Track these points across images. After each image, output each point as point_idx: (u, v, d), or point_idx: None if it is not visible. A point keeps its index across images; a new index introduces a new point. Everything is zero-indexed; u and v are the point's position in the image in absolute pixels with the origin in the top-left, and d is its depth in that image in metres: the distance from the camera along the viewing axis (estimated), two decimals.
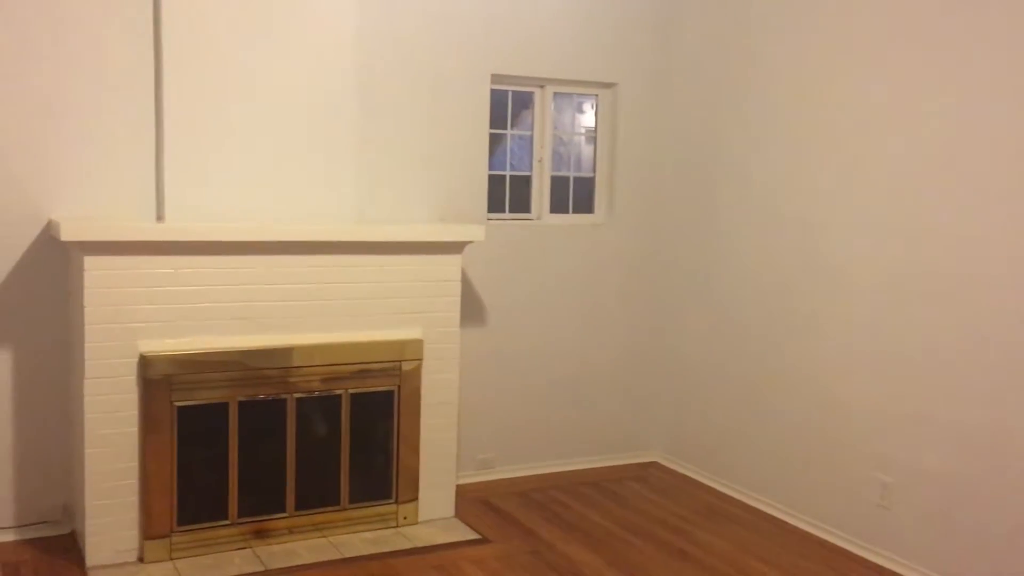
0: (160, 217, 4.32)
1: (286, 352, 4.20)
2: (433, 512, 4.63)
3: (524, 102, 5.35)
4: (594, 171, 5.57)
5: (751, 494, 5.05)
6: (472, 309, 5.07)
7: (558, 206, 5.47)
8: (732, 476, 5.19)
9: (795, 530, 4.68)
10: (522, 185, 5.39)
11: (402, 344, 4.47)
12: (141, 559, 4.01)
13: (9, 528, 4.21)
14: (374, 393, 4.45)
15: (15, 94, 4.03)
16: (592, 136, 5.58)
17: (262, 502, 4.25)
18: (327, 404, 4.36)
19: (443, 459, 4.65)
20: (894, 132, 4.23)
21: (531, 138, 5.38)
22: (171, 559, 4.04)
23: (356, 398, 4.41)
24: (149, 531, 4.01)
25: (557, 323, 5.39)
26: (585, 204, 5.56)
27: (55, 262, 4.18)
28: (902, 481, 4.20)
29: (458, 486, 4.78)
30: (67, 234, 3.76)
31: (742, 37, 5.09)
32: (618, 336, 5.59)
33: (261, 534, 4.24)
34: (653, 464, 5.70)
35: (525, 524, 4.64)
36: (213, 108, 4.30)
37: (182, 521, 4.08)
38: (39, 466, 4.25)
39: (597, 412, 5.58)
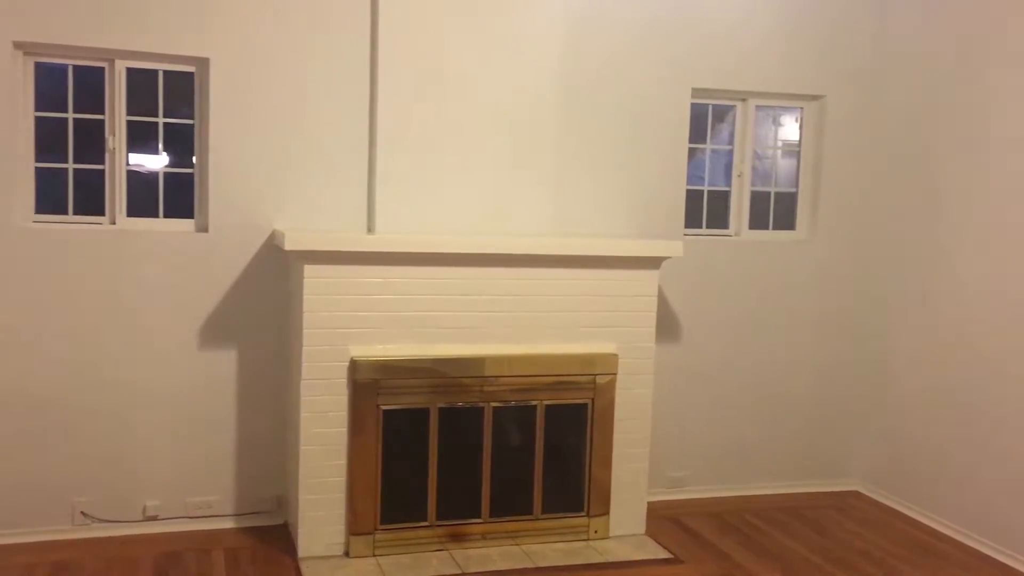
0: (370, 229, 4.55)
1: (480, 362, 4.30)
2: (624, 528, 4.61)
3: (718, 115, 5.26)
4: (796, 186, 5.39)
5: (967, 532, 4.71)
6: (666, 324, 5.02)
7: (756, 222, 5.33)
8: (944, 511, 4.86)
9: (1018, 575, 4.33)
10: (717, 200, 5.29)
11: (597, 357, 4.48)
12: (347, 553, 4.22)
13: (229, 516, 4.54)
14: (568, 405, 4.49)
15: (247, 119, 4.36)
16: (792, 150, 5.41)
17: (459, 507, 4.37)
18: (522, 414, 4.44)
19: (635, 475, 4.63)
20: None
21: (724, 152, 5.28)
22: (374, 555, 4.22)
23: (551, 409, 4.46)
24: (355, 527, 4.21)
25: (754, 341, 5.25)
26: (785, 220, 5.39)
27: (276, 269, 4.49)
28: None
29: (648, 503, 4.74)
30: (291, 244, 4.03)
31: (958, 44, 4.79)
32: (819, 357, 5.37)
33: (457, 538, 4.36)
34: (853, 493, 5.43)
35: (718, 546, 4.54)
36: (422, 126, 4.49)
37: (385, 520, 4.26)
38: (257, 460, 4.56)
39: (794, 436, 5.38)
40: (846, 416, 5.45)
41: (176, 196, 4.48)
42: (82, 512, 4.32)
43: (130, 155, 4.38)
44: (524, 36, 4.61)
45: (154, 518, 4.42)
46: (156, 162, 4.49)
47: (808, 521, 4.93)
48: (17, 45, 4.10)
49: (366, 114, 4.51)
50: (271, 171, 4.42)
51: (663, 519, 4.82)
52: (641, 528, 4.65)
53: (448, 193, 4.55)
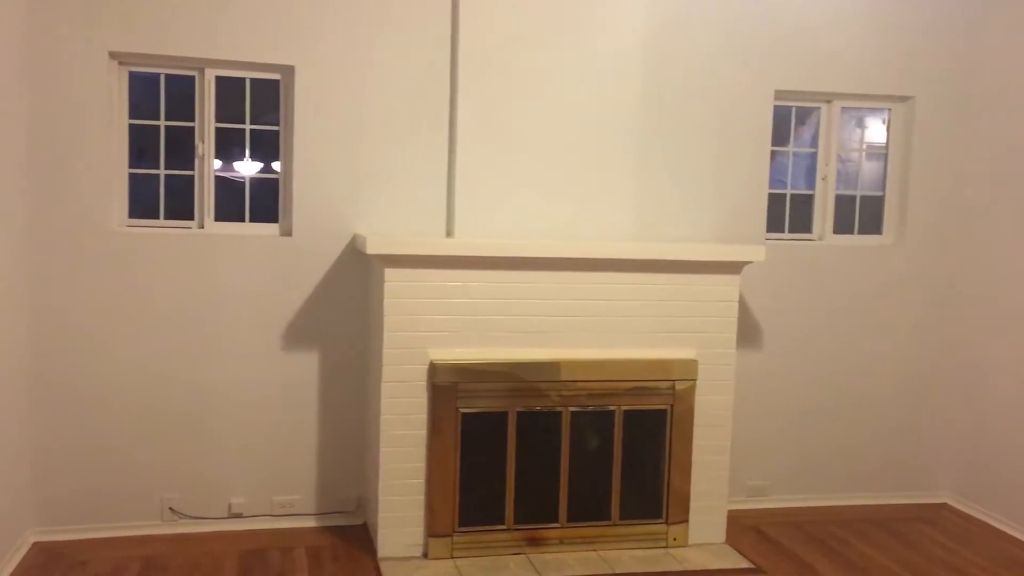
0: (450, 233, 4.59)
1: (556, 366, 4.28)
2: (703, 536, 4.54)
3: (799, 117, 5.15)
4: (883, 189, 5.25)
5: None
6: (747, 330, 4.93)
7: (841, 226, 5.21)
8: None
9: None
10: (799, 204, 5.18)
11: (676, 363, 4.43)
12: (425, 555, 4.25)
13: (311, 515, 4.62)
14: (647, 411, 4.45)
15: (330, 124, 4.44)
16: (877, 152, 5.26)
17: (536, 511, 4.36)
18: (600, 419, 4.41)
19: (714, 483, 4.56)
20: None
21: (805, 155, 5.17)
22: (452, 558, 4.24)
23: (629, 415, 4.43)
24: (433, 529, 4.24)
25: (838, 348, 5.12)
26: (871, 224, 5.25)
27: (358, 272, 4.55)
28: None
29: (728, 512, 4.65)
30: (372, 247, 4.08)
31: None
32: (906, 365, 5.22)
33: (534, 542, 4.36)
34: (943, 505, 5.25)
35: (802, 558, 4.44)
36: (501, 132, 4.51)
37: (463, 522, 4.27)
38: (338, 461, 4.63)
39: (880, 445, 5.23)
40: (935, 425, 5.28)
41: (261, 201, 4.58)
42: (170, 508, 4.44)
43: (218, 161, 4.50)
44: (605, 38, 4.59)
45: (239, 516, 4.52)
46: (244, 168, 4.60)
47: (895, 533, 4.79)
48: (113, 55, 4.24)
49: (446, 119, 4.55)
50: (353, 175, 4.49)
51: (744, 528, 4.74)
52: (721, 537, 4.58)
53: (527, 197, 4.56)
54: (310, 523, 4.60)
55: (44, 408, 4.27)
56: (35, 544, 4.24)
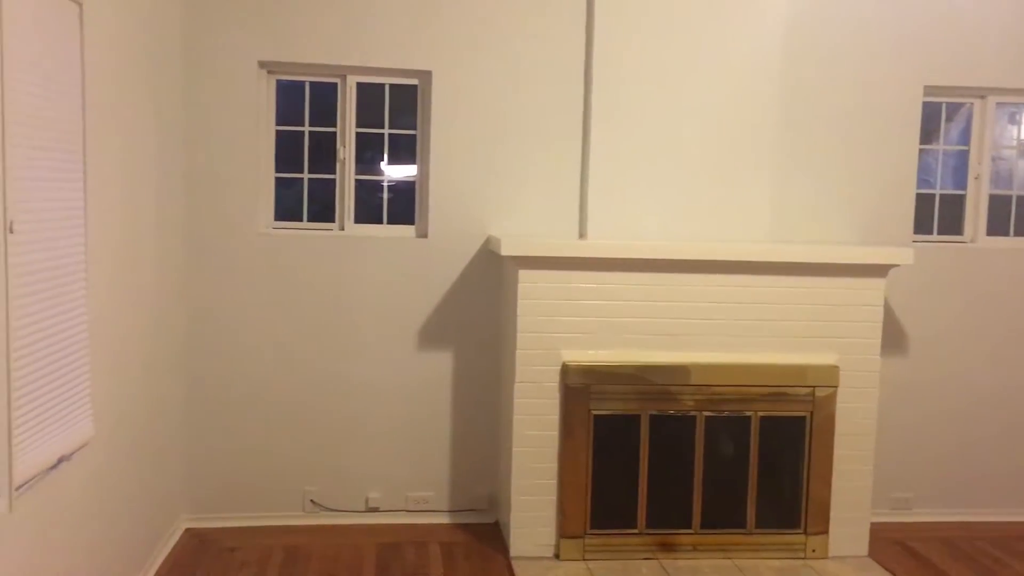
0: (582, 235, 4.58)
1: (686, 370, 4.22)
2: (844, 548, 4.38)
3: (947, 114, 4.89)
4: None
5: None
6: (892, 336, 4.73)
7: (994, 227, 4.93)
8: None
9: None
10: (946, 204, 4.92)
11: (816, 369, 4.29)
12: (557, 556, 4.26)
13: (444, 511, 4.69)
14: (784, 418, 4.33)
15: (465, 128, 4.50)
16: None
17: (669, 516, 4.31)
18: (736, 425, 4.32)
19: (857, 493, 4.39)
20: None
21: (952, 153, 4.91)
22: (584, 559, 4.23)
23: (766, 421, 4.32)
24: (564, 530, 4.24)
25: (992, 355, 4.85)
26: None
27: (491, 274, 4.60)
28: None
29: (871, 524, 4.47)
30: (507, 249, 4.12)
31: None
32: None
33: (667, 547, 4.30)
34: None
35: None
36: (635, 133, 4.48)
37: (594, 524, 4.26)
38: (469, 459, 4.69)
39: None
40: None
41: (398, 203, 4.69)
42: (312, 500, 4.60)
43: (357, 164, 4.64)
44: (742, 35, 4.49)
45: (375, 510, 4.64)
46: (384, 171, 4.72)
47: None
48: (262, 64, 4.43)
49: (579, 121, 4.55)
50: (488, 178, 4.55)
51: (887, 542, 4.54)
52: (863, 550, 4.40)
53: (661, 198, 4.51)
54: (443, 519, 4.68)
55: (196, 402, 4.50)
56: (187, 530, 4.47)
